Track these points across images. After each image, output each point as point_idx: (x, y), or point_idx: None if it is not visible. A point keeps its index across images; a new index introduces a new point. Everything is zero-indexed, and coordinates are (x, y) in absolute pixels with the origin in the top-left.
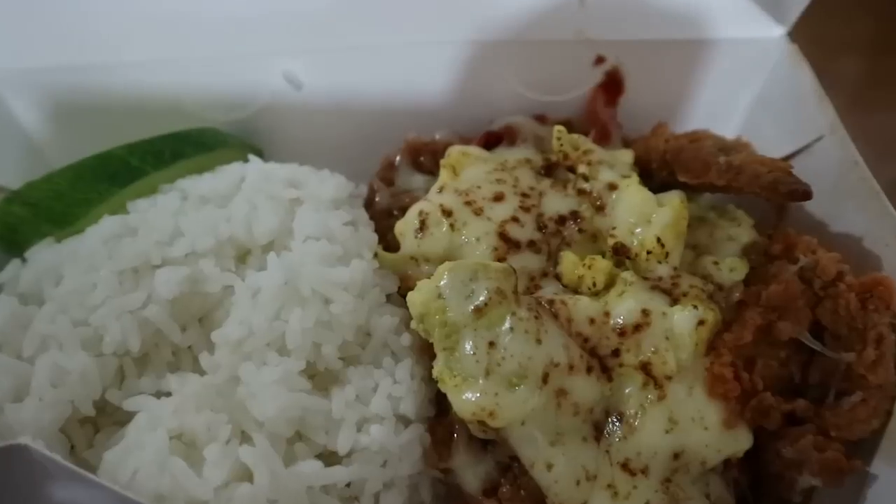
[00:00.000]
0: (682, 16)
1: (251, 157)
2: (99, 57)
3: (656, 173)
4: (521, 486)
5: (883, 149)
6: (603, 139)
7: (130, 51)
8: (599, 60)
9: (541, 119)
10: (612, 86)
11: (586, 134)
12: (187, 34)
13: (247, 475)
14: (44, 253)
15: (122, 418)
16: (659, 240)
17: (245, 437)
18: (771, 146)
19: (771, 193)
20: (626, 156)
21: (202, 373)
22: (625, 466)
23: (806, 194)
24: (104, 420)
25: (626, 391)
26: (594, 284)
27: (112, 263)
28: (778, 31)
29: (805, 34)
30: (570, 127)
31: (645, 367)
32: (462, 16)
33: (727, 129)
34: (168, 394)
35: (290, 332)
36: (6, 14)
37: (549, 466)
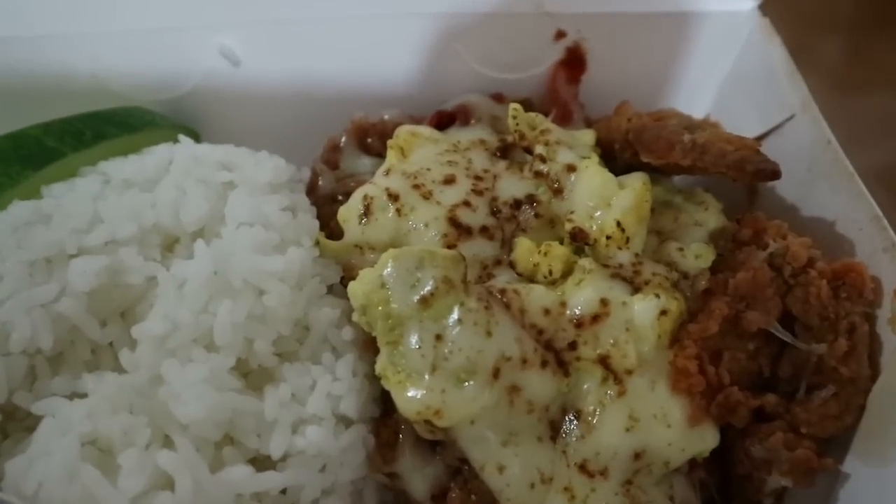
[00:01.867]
0: None
1: (181, 137)
2: (12, 30)
3: (619, 154)
4: (471, 491)
5: (861, 133)
6: (564, 120)
7: (48, 23)
8: (560, 35)
9: (498, 98)
10: (574, 62)
11: (547, 114)
12: (112, 4)
13: (168, 483)
14: None
15: (34, 424)
16: (619, 224)
17: (167, 442)
18: (742, 126)
19: (737, 173)
20: (587, 136)
21: (123, 372)
22: (583, 468)
23: (774, 174)
24: (13, 426)
25: (584, 387)
26: (550, 272)
27: (21, 253)
28: (749, 4)
29: (778, 9)
30: (530, 107)
31: (604, 361)
32: None
33: (697, 109)
34: (85, 395)
35: (218, 327)
36: None
37: (501, 469)
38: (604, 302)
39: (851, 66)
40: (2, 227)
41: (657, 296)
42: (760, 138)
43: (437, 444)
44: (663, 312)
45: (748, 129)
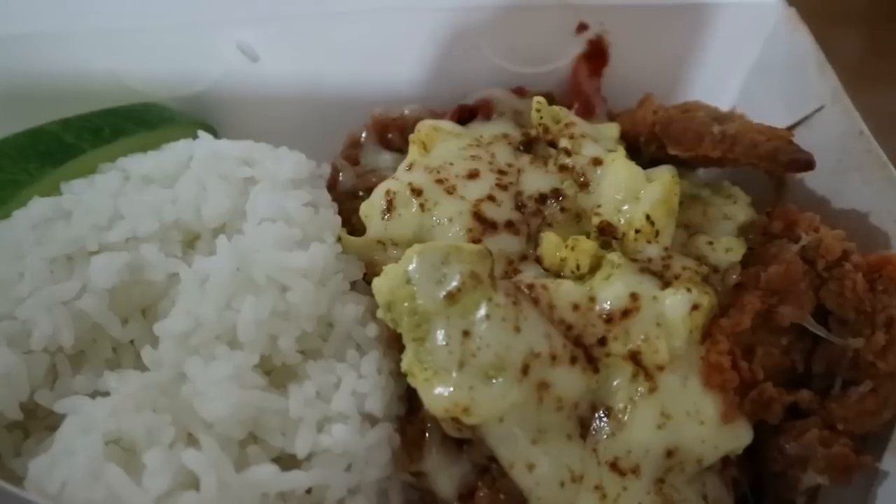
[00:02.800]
0: None
1: (201, 133)
2: (31, 27)
3: (644, 148)
4: (499, 490)
5: (880, 125)
6: (587, 114)
7: (66, 20)
8: (582, 28)
9: (519, 92)
10: (596, 55)
11: (568, 108)
12: (133, 1)
13: (193, 482)
14: None
15: (56, 422)
16: (648, 217)
17: (191, 441)
18: (768, 118)
19: (770, 164)
20: (612, 129)
21: (145, 370)
22: (613, 466)
23: (808, 164)
24: (35, 425)
25: (614, 383)
26: (578, 267)
27: (42, 250)
28: None
29: (794, 3)
30: (552, 101)
31: (634, 357)
32: None
33: (721, 102)
34: (107, 394)
35: (242, 324)
36: None
37: (531, 467)
38: (634, 296)
39: (868, 60)
40: (22, 224)
41: (688, 290)
42: (789, 130)
43: (464, 443)
44: (695, 307)
45: (774, 121)
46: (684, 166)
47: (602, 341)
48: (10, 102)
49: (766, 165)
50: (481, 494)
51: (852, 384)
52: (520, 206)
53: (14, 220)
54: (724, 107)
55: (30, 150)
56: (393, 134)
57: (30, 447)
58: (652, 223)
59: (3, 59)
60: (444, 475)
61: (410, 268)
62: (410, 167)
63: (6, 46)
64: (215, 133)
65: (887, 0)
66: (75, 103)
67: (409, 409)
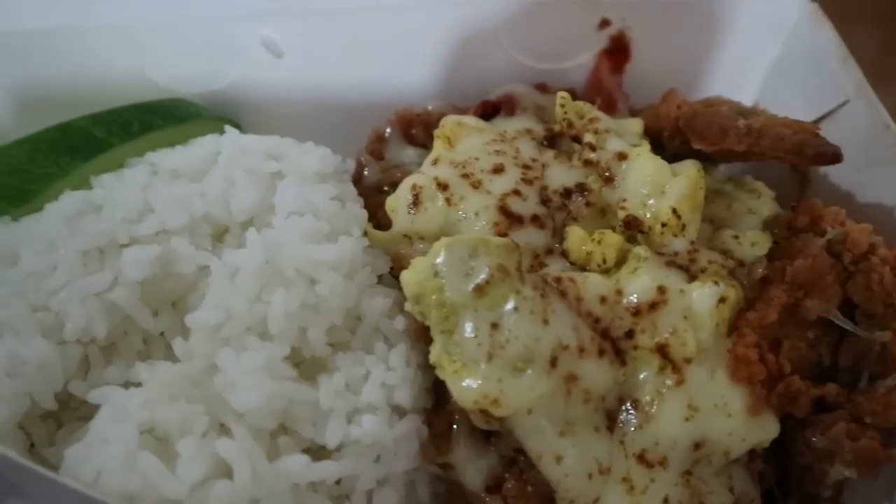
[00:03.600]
0: None
1: (227, 128)
2: (59, 21)
3: (668, 143)
4: (527, 482)
5: None
6: (609, 109)
7: (95, 15)
8: (604, 24)
9: (541, 88)
10: (618, 51)
11: (591, 104)
12: None
13: (226, 471)
14: None
15: (88, 412)
16: (675, 211)
17: (223, 430)
18: (790, 114)
19: (796, 157)
20: (635, 125)
21: (176, 361)
22: (641, 458)
23: (835, 157)
24: (68, 415)
25: (642, 376)
26: (604, 261)
27: (74, 243)
28: None
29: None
30: (574, 96)
31: (662, 350)
32: None
33: (742, 98)
34: (138, 384)
35: (272, 316)
36: None
37: (559, 459)
38: (661, 290)
39: (883, 57)
40: (54, 217)
41: (715, 283)
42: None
43: (492, 435)
44: (722, 300)
45: (797, 116)
46: (707, 161)
47: (629, 334)
48: (40, 97)
49: (793, 159)
50: (509, 486)
51: (879, 377)
52: (545, 201)
53: (46, 213)
54: (746, 102)
55: (60, 144)
56: (417, 129)
57: (63, 436)
58: (678, 217)
59: (33, 54)
60: (472, 467)
61: (438, 261)
62: (436, 162)
63: (36, 42)
64: (240, 128)
65: None
66: (103, 99)
67: (436, 401)
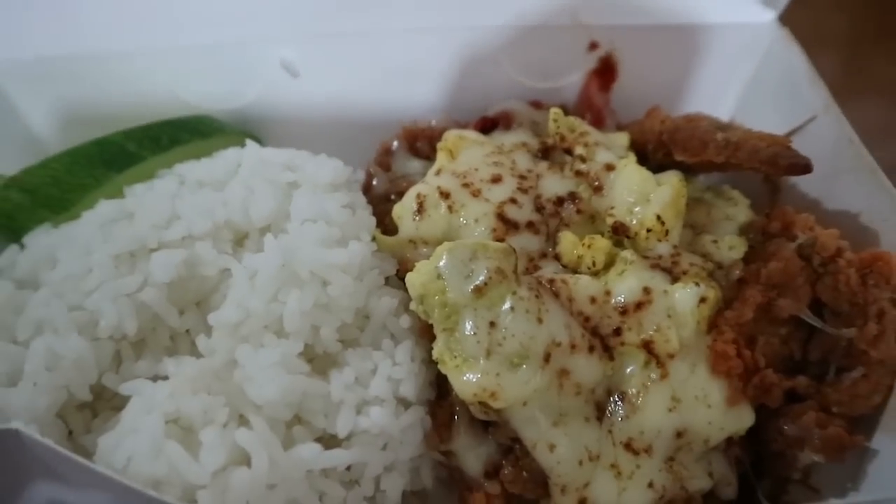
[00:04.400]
0: (674, 1)
1: (248, 142)
2: (97, 47)
3: (652, 155)
4: (523, 468)
5: (863, 135)
6: (597, 124)
7: (128, 40)
8: (593, 46)
9: (536, 105)
10: (606, 71)
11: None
12: (185, 23)
13: (245, 459)
14: (40, 238)
15: (120, 403)
16: (659, 218)
17: (243, 421)
18: (763, 129)
19: (771, 168)
20: (622, 138)
21: (200, 356)
22: (628, 446)
23: (806, 167)
24: (102, 405)
25: (628, 370)
26: (594, 264)
27: (108, 247)
28: (768, 16)
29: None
30: (565, 112)
31: (647, 346)
32: (457, 2)
33: (720, 114)
34: (165, 377)
35: (287, 315)
36: (5, 6)
37: (552, 447)
38: (646, 290)
39: (847, 78)
40: (90, 224)
41: (696, 284)
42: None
43: (490, 425)
44: (702, 300)
45: (769, 131)
46: (688, 172)
47: (617, 331)
48: (83, 115)
49: (767, 169)
50: (506, 472)
51: (845, 370)
52: (539, 208)
53: (83, 221)
54: (723, 117)
55: (97, 157)
56: (421, 142)
57: (98, 425)
58: (662, 223)
59: (77, 76)
60: (472, 454)
61: (441, 264)
62: (439, 172)
63: (80, 65)
64: (260, 142)
65: (866, 24)
66: (138, 115)
67: (438, 393)
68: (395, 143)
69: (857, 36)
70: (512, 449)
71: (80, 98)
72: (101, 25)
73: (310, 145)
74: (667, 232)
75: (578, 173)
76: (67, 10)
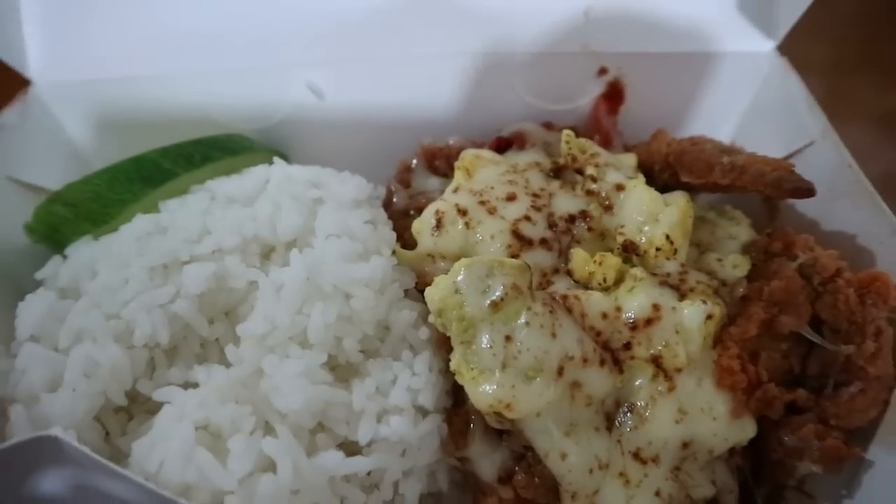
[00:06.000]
0: (679, 30)
1: (276, 159)
2: (138, 70)
3: (658, 175)
4: (535, 474)
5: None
6: (605, 146)
7: (166, 65)
8: (602, 71)
9: (547, 126)
10: (614, 95)
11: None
12: (218, 49)
13: (270, 466)
14: (82, 250)
15: (154, 407)
16: (668, 237)
17: (269, 429)
18: (763, 151)
19: (775, 191)
20: (630, 159)
21: (229, 365)
22: (636, 455)
23: (810, 191)
24: (137, 408)
25: (637, 383)
26: (604, 280)
27: (143, 260)
28: (768, 46)
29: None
30: (575, 134)
31: (656, 360)
32: (473, 29)
33: (721, 137)
34: (196, 385)
35: (312, 327)
36: (52, 33)
37: (564, 456)
38: (655, 307)
39: (833, 104)
40: (127, 237)
41: (704, 301)
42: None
43: (504, 433)
44: (709, 317)
45: (769, 154)
46: (692, 192)
47: (627, 346)
48: (123, 134)
49: (772, 192)
50: (518, 478)
51: (843, 385)
52: (552, 226)
53: (121, 234)
54: (723, 141)
55: (134, 174)
56: (439, 161)
57: (133, 427)
58: (671, 242)
59: (117, 98)
60: (486, 461)
61: (459, 279)
62: (456, 190)
63: (120, 87)
64: (287, 159)
65: (848, 52)
66: (173, 134)
67: (454, 402)
68: (415, 162)
69: (842, 63)
70: (525, 456)
71: (121, 118)
72: (141, 51)
73: (334, 162)
74: (675, 251)
75: (589, 192)
76: (110, 36)
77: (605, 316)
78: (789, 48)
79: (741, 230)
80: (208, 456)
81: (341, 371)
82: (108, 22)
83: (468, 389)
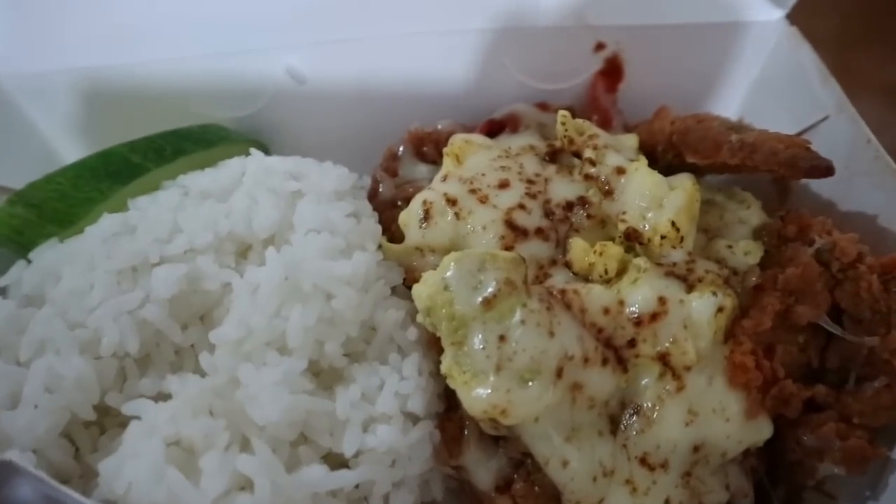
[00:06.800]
0: (679, 0)
1: (252, 150)
2: (107, 59)
3: (661, 156)
4: (535, 483)
5: None
6: (604, 126)
7: (137, 52)
8: (599, 47)
9: (542, 107)
10: (613, 72)
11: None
12: (193, 34)
13: (247, 484)
14: (46, 254)
15: (127, 419)
16: (674, 224)
17: (245, 443)
18: (771, 128)
19: (790, 170)
20: (631, 140)
21: (204, 373)
22: (643, 461)
23: (828, 170)
24: (110, 421)
25: (643, 383)
26: (606, 272)
27: (110, 263)
28: (776, 14)
29: None
30: (572, 114)
31: (663, 358)
32: (460, 5)
33: (728, 113)
34: (170, 396)
35: (290, 330)
36: (15, 21)
37: (565, 463)
38: (661, 300)
39: (838, 78)
40: (93, 239)
41: (714, 293)
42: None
43: (500, 438)
44: (720, 309)
45: (779, 131)
46: (698, 174)
47: (631, 343)
48: (95, 125)
49: (786, 172)
50: (517, 487)
51: (866, 380)
52: (548, 214)
53: (86, 235)
54: (730, 117)
55: (101, 170)
56: (428, 147)
57: (105, 443)
58: (677, 229)
59: (92, 88)
60: (482, 469)
61: (448, 274)
62: (445, 178)
63: (97, 77)
64: (267, 150)
65: (854, 26)
66: (148, 125)
67: (447, 406)
68: (402, 148)
69: (848, 37)
70: (523, 463)
71: (92, 109)
72: (110, 39)
73: (317, 151)
74: (681, 238)
75: (588, 177)
76: (78, 23)
77: (606, 311)
78: (794, 22)
79: (752, 214)
80: (179, 477)
81: (324, 377)
82: (75, 8)
83: (460, 394)
